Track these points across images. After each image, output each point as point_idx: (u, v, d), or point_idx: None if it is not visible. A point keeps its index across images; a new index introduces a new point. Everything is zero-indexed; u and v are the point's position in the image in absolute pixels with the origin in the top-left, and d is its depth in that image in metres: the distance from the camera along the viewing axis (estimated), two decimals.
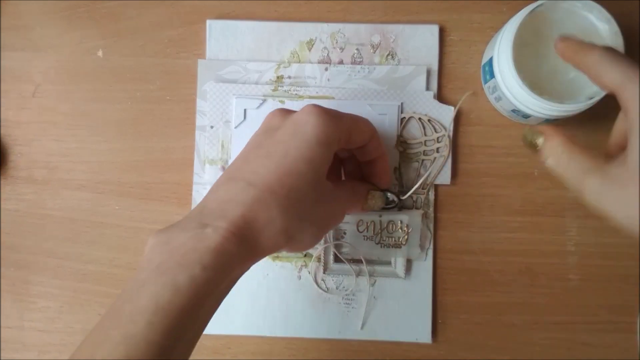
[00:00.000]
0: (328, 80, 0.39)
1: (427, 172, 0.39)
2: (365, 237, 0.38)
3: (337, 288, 0.39)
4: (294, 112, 0.30)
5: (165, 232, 0.27)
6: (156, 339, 0.23)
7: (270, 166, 0.27)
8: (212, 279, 0.25)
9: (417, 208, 0.39)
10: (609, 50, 0.28)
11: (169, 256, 0.25)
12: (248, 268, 0.28)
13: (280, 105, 0.39)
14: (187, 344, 0.26)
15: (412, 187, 0.38)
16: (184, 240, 0.25)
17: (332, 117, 0.29)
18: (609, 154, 0.30)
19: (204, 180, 0.39)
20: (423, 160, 0.39)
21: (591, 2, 0.33)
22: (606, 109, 0.39)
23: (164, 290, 0.24)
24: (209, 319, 0.27)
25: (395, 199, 0.37)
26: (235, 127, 0.39)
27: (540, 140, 0.31)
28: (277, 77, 0.39)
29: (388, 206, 0.38)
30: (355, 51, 0.39)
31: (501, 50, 0.34)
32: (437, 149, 0.39)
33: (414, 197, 0.39)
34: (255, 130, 0.31)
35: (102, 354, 0.23)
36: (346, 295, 0.39)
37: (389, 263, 0.39)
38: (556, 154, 0.30)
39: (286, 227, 0.27)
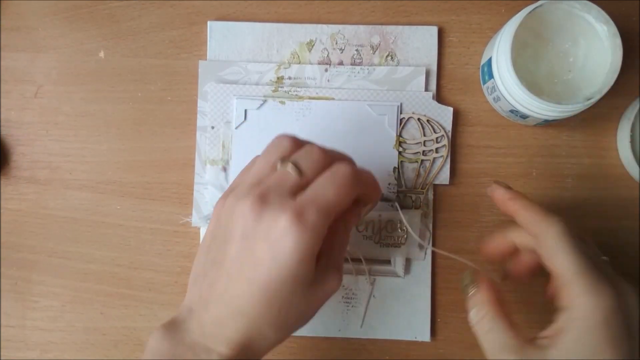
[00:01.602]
0: (328, 81, 0.39)
1: (427, 173, 0.39)
2: (365, 237, 0.39)
3: None
4: (271, 206, 0.27)
5: (170, 341, 0.28)
6: None
7: (256, 293, 0.27)
8: None
9: (416, 208, 0.39)
10: (569, 231, 0.29)
11: None
12: None
13: (280, 107, 0.39)
14: None
15: (411, 189, 0.39)
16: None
17: (313, 233, 0.26)
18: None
19: (205, 180, 0.40)
20: (422, 160, 0.39)
21: (589, 3, 0.33)
22: (604, 110, 0.39)
23: None
24: None
25: (398, 206, 0.37)
26: (236, 128, 0.39)
27: (470, 290, 0.31)
28: (278, 78, 0.40)
29: (388, 202, 0.38)
30: (355, 52, 0.40)
31: (500, 51, 0.34)
32: (436, 149, 0.39)
33: (413, 197, 0.39)
34: (227, 197, 0.29)
35: None
36: (346, 294, 0.39)
37: (388, 262, 0.39)
38: (480, 312, 0.30)
39: (281, 336, 0.29)
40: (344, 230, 0.31)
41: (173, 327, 0.29)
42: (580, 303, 0.27)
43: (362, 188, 0.30)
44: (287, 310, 0.28)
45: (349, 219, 0.31)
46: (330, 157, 0.29)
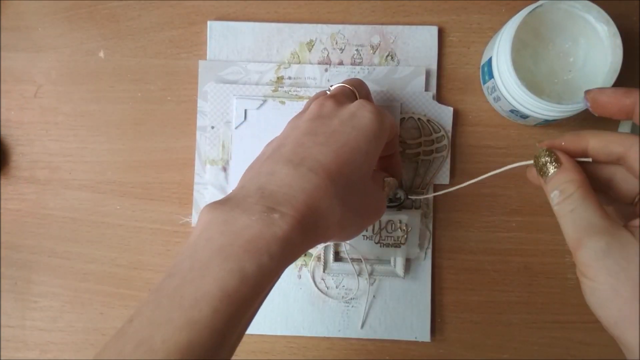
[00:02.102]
0: (328, 81, 0.39)
1: (427, 172, 0.39)
2: (365, 237, 0.39)
3: (336, 287, 0.39)
4: (345, 103, 0.31)
5: (223, 210, 0.25)
6: (220, 327, 0.22)
7: (330, 154, 0.27)
8: (276, 268, 0.24)
9: (416, 208, 0.39)
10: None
11: (233, 239, 0.24)
12: (293, 260, 0.26)
13: (280, 107, 0.39)
14: (244, 327, 0.26)
15: (418, 191, 0.39)
16: (250, 224, 0.24)
17: (382, 114, 0.30)
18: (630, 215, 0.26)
19: (205, 180, 0.40)
20: (422, 160, 0.39)
21: (590, 3, 0.33)
22: None
23: (230, 278, 0.23)
24: (260, 305, 0.27)
25: (403, 196, 0.38)
26: (236, 128, 0.39)
27: (552, 169, 0.27)
28: (278, 78, 0.40)
29: (393, 203, 0.38)
30: (355, 52, 0.40)
31: (500, 51, 0.34)
32: (436, 149, 0.39)
33: (413, 197, 0.39)
34: (298, 114, 0.32)
35: (162, 336, 0.21)
36: (346, 294, 0.39)
37: (388, 262, 0.39)
38: (566, 193, 0.26)
39: (342, 217, 0.27)
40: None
41: (225, 200, 0.26)
42: None
43: (396, 133, 0.34)
44: (352, 185, 0.27)
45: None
46: (369, 91, 0.35)
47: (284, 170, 0.26)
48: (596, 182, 0.27)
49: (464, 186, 0.34)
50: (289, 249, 0.24)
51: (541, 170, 0.27)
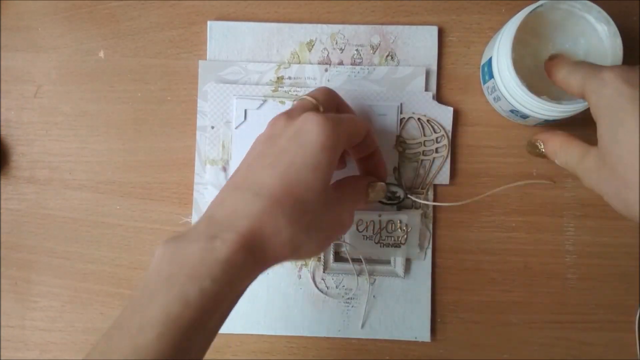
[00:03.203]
0: (328, 81, 0.39)
1: (427, 172, 0.39)
2: (365, 237, 0.39)
3: (337, 287, 0.39)
4: (296, 118, 0.30)
5: (173, 243, 0.26)
6: (166, 351, 0.23)
7: (276, 176, 0.27)
8: (221, 291, 0.25)
9: (416, 208, 0.39)
10: (575, 62, 0.31)
11: (178, 268, 0.25)
12: (254, 279, 0.27)
13: (280, 107, 0.39)
14: (197, 352, 0.26)
15: (413, 189, 0.39)
16: (193, 252, 0.25)
17: (333, 122, 0.29)
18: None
19: (205, 180, 0.40)
20: (422, 160, 0.39)
21: (590, 2, 0.33)
22: None
23: (174, 303, 0.24)
24: (218, 329, 0.27)
25: (402, 194, 0.38)
26: (236, 128, 0.39)
27: (540, 149, 0.34)
28: (278, 78, 0.40)
29: (393, 201, 0.38)
30: (355, 52, 0.40)
31: (500, 51, 0.34)
32: (436, 149, 0.39)
33: (412, 197, 0.39)
34: (258, 136, 0.31)
35: None
36: (346, 294, 0.39)
37: (388, 262, 0.39)
38: (557, 151, 0.33)
39: (292, 237, 0.27)
40: (363, 185, 0.34)
41: (180, 234, 0.27)
42: (593, 89, 0.29)
43: (370, 131, 0.33)
44: (303, 203, 0.27)
45: (356, 196, 0.34)
46: (341, 101, 0.34)
47: (231, 197, 0.28)
48: None
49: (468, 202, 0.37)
50: (233, 272, 0.25)
51: (537, 154, 0.35)
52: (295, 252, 0.28)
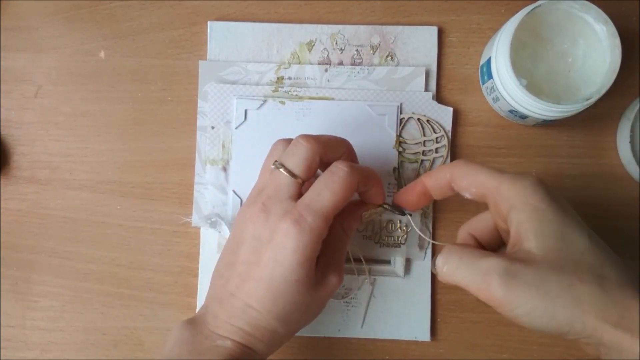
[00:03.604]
0: (328, 81, 0.39)
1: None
2: (365, 237, 0.39)
3: None
4: (272, 217, 0.29)
5: (190, 331, 0.31)
6: None
7: (262, 290, 0.30)
8: None
9: None
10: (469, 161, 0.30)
11: (190, 356, 0.30)
12: None
13: (280, 107, 0.39)
14: None
15: None
16: (208, 348, 0.30)
17: (312, 234, 0.29)
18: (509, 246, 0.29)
19: (205, 180, 0.40)
20: (422, 160, 0.39)
21: (588, 3, 0.33)
22: (604, 110, 0.39)
23: None
24: None
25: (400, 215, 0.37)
26: (236, 128, 0.39)
27: (436, 262, 0.30)
28: (278, 78, 0.40)
29: (387, 206, 0.38)
30: (355, 52, 0.40)
31: (499, 51, 0.34)
32: (436, 149, 0.39)
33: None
34: (241, 228, 0.31)
35: None
36: (346, 293, 0.39)
37: (388, 262, 0.39)
38: (452, 262, 0.29)
39: (286, 332, 0.31)
40: (343, 232, 0.33)
41: (193, 321, 0.32)
42: (521, 203, 0.28)
43: (361, 186, 0.31)
44: (291, 306, 0.30)
45: (349, 222, 0.33)
46: (323, 146, 0.31)
47: (229, 303, 0.31)
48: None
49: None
50: None
51: (435, 272, 0.31)
52: (291, 335, 0.33)
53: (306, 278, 0.30)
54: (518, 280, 0.26)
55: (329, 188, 0.29)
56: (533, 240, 0.27)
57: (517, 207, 0.28)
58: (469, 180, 0.30)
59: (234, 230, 0.32)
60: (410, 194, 0.33)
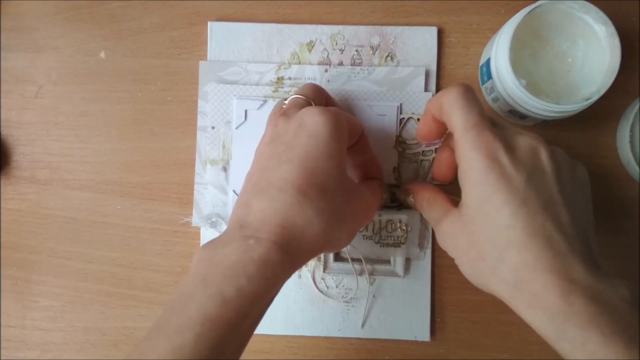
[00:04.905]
0: (328, 81, 0.39)
1: (426, 173, 0.39)
2: (365, 237, 0.39)
3: (337, 287, 0.39)
4: (294, 115, 0.30)
5: (209, 247, 0.27)
6: (204, 351, 0.23)
7: (295, 170, 0.27)
8: (258, 289, 0.25)
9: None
10: (465, 91, 0.29)
11: (214, 269, 0.25)
12: (291, 275, 0.28)
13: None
14: (233, 353, 0.26)
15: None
16: (229, 253, 0.26)
17: (334, 114, 0.29)
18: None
19: (205, 180, 0.40)
20: (422, 160, 0.39)
21: (588, 3, 0.33)
22: (604, 110, 0.39)
23: (211, 302, 0.24)
24: (254, 328, 0.27)
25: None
26: (236, 128, 0.39)
27: (410, 198, 0.35)
28: (278, 79, 0.40)
29: (393, 204, 0.38)
30: (355, 52, 0.40)
31: (498, 52, 0.34)
32: (436, 149, 0.39)
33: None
34: (260, 140, 0.32)
35: None
36: (346, 293, 0.39)
37: (388, 262, 0.39)
38: (424, 206, 0.34)
39: (324, 227, 0.27)
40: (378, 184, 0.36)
41: (213, 240, 0.28)
42: (465, 156, 0.28)
43: (363, 131, 0.33)
44: (327, 192, 0.28)
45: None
46: (328, 95, 0.35)
47: (256, 198, 0.28)
48: None
49: None
50: (269, 270, 0.25)
51: (406, 203, 0.36)
52: (328, 241, 0.28)
53: (339, 160, 0.28)
54: (449, 226, 0.31)
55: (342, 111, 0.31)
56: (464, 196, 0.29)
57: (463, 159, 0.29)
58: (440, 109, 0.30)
59: (256, 152, 0.32)
60: (422, 126, 0.34)
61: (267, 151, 0.30)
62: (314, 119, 0.29)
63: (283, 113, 0.31)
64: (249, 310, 0.25)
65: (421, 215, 0.39)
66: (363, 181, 0.36)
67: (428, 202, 0.33)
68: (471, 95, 0.29)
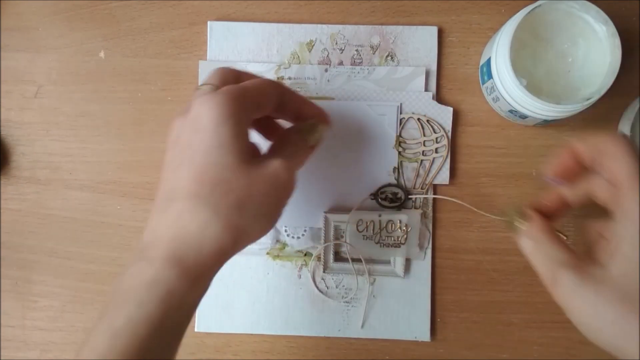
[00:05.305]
0: (328, 81, 0.39)
1: (427, 173, 0.39)
2: (365, 237, 0.39)
3: (337, 287, 0.39)
4: (188, 110, 0.28)
5: (117, 276, 0.26)
6: None
7: (185, 172, 0.26)
8: (153, 313, 0.24)
9: (416, 208, 0.39)
10: (630, 142, 0.27)
11: (112, 297, 0.25)
12: (204, 289, 0.26)
13: None
14: None
15: (418, 191, 0.39)
16: (124, 279, 0.25)
17: (226, 95, 0.26)
18: (590, 249, 0.28)
19: None
20: (422, 160, 0.39)
21: (588, 3, 0.33)
22: (604, 110, 0.39)
23: (100, 337, 0.23)
24: (176, 345, 0.26)
25: (403, 196, 0.38)
26: None
27: (518, 224, 0.30)
28: (278, 78, 0.40)
29: (395, 203, 0.38)
30: (355, 52, 0.40)
31: (499, 51, 0.34)
32: (436, 149, 0.39)
33: (413, 197, 0.39)
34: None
35: None
36: (346, 294, 0.39)
37: (388, 262, 0.39)
38: (534, 238, 0.29)
39: (226, 224, 0.25)
40: (298, 132, 0.31)
41: (127, 264, 0.27)
42: (634, 208, 0.25)
43: (283, 88, 0.31)
44: (222, 185, 0.25)
45: (302, 125, 0.32)
46: (244, 74, 0.31)
47: (152, 214, 0.26)
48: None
49: None
50: (162, 290, 0.24)
51: (511, 227, 0.30)
52: (239, 237, 0.26)
53: (233, 145, 0.25)
54: (585, 284, 0.26)
55: (245, 81, 0.29)
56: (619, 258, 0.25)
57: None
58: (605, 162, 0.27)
59: None
60: (559, 163, 0.29)
61: (164, 159, 0.28)
62: (197, 111, 0.26)
63: (182, 111, 0.28)
64: (148, 337, 0.23)
65: (421, 215, 0.39)
66: (278, 137, 0.32)
67: (549, 236, 0.28)
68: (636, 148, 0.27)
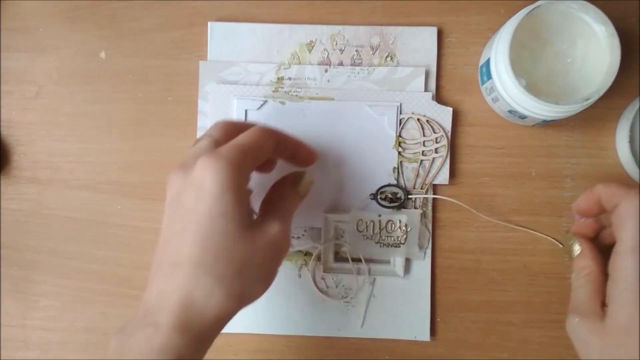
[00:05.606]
0: (328, 81, 0.40)
1: (426, 173, 0.39)
2: (365, 237, 0.39)
3: (336, 287, 0.39)
4: (192, 168, 0.28)
5: (119, 336, 0.27)
6: None
7: (189, 239, 0.26)
8: None
9: (415, 208, 0.39)
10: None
11: None
12: (205, 350, 0.27)
13: (280, 107, 0.39)
14: None
15: (415, 191, 0.39)
16: (132, 346, 0.26)
17: (228, 159, 0.27)
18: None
19: None
20: (422, 160, 0.39)
21: (587, 3, 0.33)
22: (603, 110, 0.39)
23: None
24: None
25: (403, 195, 0.38)
26: None
27: (576, 250, 0.33)
28: (278, 79, 0.40)
29: (395, 203, 0.38)
30: (355, 53, 0.40)
31: (498, 52, 0.34)
32: (436, 149, 0.39)
33: (413, 197, 0.39)
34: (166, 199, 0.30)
35: None
36: (346, 293, 0.39)
37: (388, 262, 0.39)
38: (580, 274, 0.32)
39: (228, 292, 0.27)
40: (289, 185, 0.33)
41: (124, 327, 0.28)
42: (625, 276, 0.28)
43: (279, 136, 0.32)
44: (225, 253, 0.26)
45: (291, 177, 0.33)
46: (242, 125, 0.31)
47: (156, 277, 0.27)
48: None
49: None
50: (172, 354, 0.25)
51: (569, 250, 0.34)
52: (241, 301, 0.28)
53: (235, 213, 0.26)
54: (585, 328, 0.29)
55: (246, 133, 0.30)
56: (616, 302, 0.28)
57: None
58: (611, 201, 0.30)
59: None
60: (584, 203, 0.33)
61: (165, 218, 0.29)
62: (202, 175, 0.27)
63: (181, 166, 0.29)
64: None
65: (421, 215, 0.39)
66: (270, 194, 0.33)
67: (588, 277, 0.31)
68: None
